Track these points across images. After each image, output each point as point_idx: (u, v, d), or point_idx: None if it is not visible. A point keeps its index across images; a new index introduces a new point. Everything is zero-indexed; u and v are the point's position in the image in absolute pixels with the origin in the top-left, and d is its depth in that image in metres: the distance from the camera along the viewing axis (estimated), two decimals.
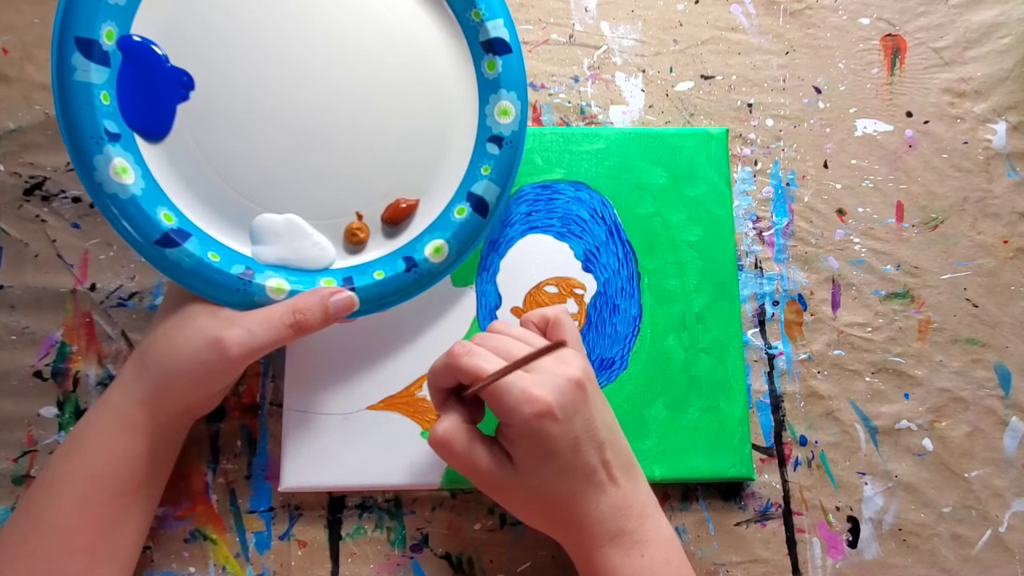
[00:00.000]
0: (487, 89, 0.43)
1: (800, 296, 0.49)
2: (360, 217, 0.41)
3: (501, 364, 0.35)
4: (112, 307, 0.46)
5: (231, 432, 0.44)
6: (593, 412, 0.36)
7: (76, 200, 0.47)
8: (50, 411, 0.44)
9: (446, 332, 0.45)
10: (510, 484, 0.35)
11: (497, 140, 0.42)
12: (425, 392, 0.44)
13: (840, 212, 0.50)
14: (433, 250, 0.41)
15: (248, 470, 0.44)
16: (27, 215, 0.46)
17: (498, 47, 0.42)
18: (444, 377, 0.37)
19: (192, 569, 0.42)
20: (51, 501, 0.36)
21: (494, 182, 0.42)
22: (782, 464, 0.46)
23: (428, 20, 0.42)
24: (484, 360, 0.35)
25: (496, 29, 0.42)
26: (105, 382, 0.45)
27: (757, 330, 0.48)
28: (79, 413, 0.44)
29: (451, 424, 0.36)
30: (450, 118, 0.43)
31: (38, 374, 0.44)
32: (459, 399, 0.38)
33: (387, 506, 0.44)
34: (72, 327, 0.45)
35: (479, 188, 0.42)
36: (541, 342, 0.38)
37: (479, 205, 0.42)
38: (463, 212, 0.42)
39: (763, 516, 0.45)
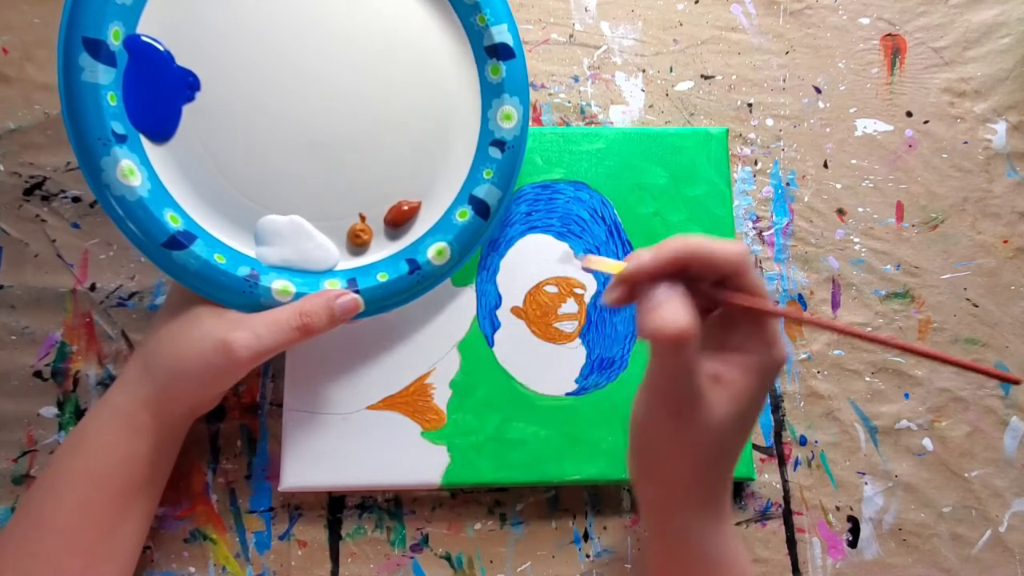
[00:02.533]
0: (490, 93, 0.43)
1: (800, 296, 0.49)
2: (363, 219, 0.41)
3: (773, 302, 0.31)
4: (112, 307, 0.46)
5: (231, 432, 0.44)
6: None
7: (76, 200, 0.47)
8: (50, 411, 0.44)
9: (446, 332, 0.45)
10: (706, 414, 0.30)
11: (499, 144, 0.42)
12: (430, 394, 0.44)
13: (840, 212, 0.50)
14: (435, 252, 0.41)
15: (248, 470, 0.44)
16: (27, 215, 0.46)
17: (502, 52, 0.42)
18: (712, 270, 0.30)
19: (192, 569, 0.42)
20: (52, 502, 0.36)
21: (496, 186, 0.42)
22: (782, 464, 0.46)
23: (433, 24, 0.42)
24: (765, 288, 0.31)
25: (500, 34, 0.42)
26: (105, 382, 0.44)
27: None
28: (79, 413, 0.44)
29: (695, 320, 0.28)
30: (453, 122, 0.43)
31: (38, 374, 0.44)
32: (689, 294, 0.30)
33: (387, 506, 0.44)
34: (72, 327, 0.45)
35: (481, 191, 0.42)
36: None
37: (481, 208, 0.42)
38: (465, 215, 0.42)
39: (763, 516, 0.45)
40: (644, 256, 0.29)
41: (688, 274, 0.30)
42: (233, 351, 0.35)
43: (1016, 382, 0.27)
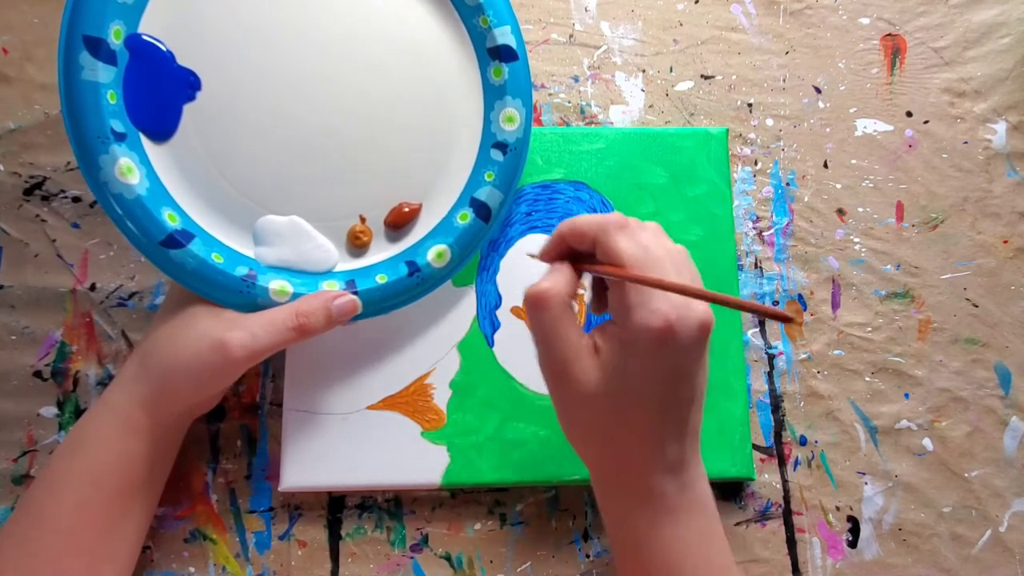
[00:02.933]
0: (492, 96, 0.43)
1: (800, 296, 0.49)
2: (363, 220, 0.41)
3: (650, 261, 0.31)
4: (112, 307, 0.46)
5: (231, 432, 0.44)
6: (701, 364, 0.32)
7: (76, 200, 0.47)
8: (50, 411, 0.44)
9: (446, 332, 0.45)
10: (581, 378, 0.32)
11: (501, 147, 0.42)
12: (430, 394, 0.44)
13: (840, 212, 0.50)
14: (435, 255, 0.41)
15: (248, 470, 0.44)
16: (27, 215, 0.46)
17: (505, 54, 0.42)
18: (581, 239, 0.33)
19: (192, 569, 0.42)
20: (51, 502, 0.36)
21: (497, 188, 0.42)
22: (782, 464, 0.46)
23: (435, 25, 0.42)
24: (640, 250, 0.31)
25: (503, 36, 0.42)
26: (105, 382, 0.44)
27: (757, 330, 0.48)
28: (79, 413, 0.44)
29: (558, 285, 0.32)
30: (455, 124, 0.42)
31: (38, 374, 0.44)
32: (571, 269, 0.34)
33: (387, 506, 0.44)
34: (72, 327, 0.45)
35: (482, 194, 0.42)
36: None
37: (482, 211, 0.42)
38: (466, 217, 0.42)
39: (763, 516, 0.45)
40: (544, 244, 0.35)
41: (578, 252, 0.34)
42: (229, 351, 0.35)
43: (788, 319, 0.27)
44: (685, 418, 0.33)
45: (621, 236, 0.32)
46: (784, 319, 0.26)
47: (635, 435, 0.32)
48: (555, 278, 0.33)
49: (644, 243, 0.32)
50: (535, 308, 0.32)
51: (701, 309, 0.31)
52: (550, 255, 0.35)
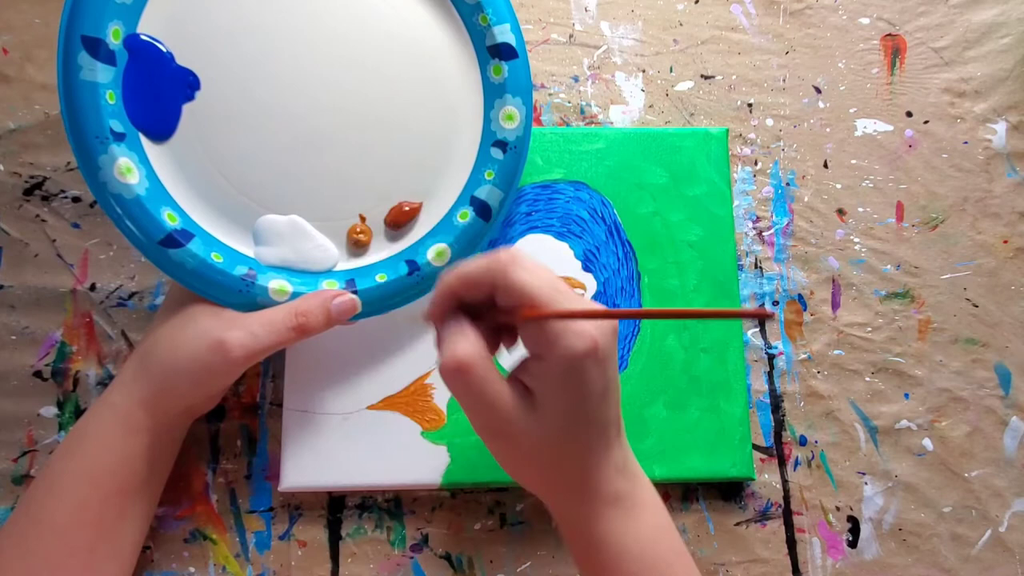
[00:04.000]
0: (492, 94, 0.43)
1: (800, 296, 0.49)
2: (363, 219, 0.41)
3: (555, 292, 0.29)
4: (112, 307, 0.46)
5: (231, 432, 0.44)
6: (616, 362, 0.32)
7: (76, 200, 0.47)
8: (50, 411, 0.44)
9: None
10: (525, 429, 0.31)
11: (501, 145, 0.42)
12: (430, 394, 0.44)
13: (840, 212, 0.50)
14: (435, 254, 0.41)
15: (248, 470, 0.44)
16: (27, 215, 0.46)
17: (504, 52, 0.42)
18: (475, 287, 0.31)
19: (192, 569, 0.42)
20: (51, 501, 0.36)
21: (498, 187, 0.42)
22: (782, 464, 0.46)
23: (435, 24, 0.42)
24: (541, 280, 0.29)
25: (503, 34, 0.42)
26: (105, 382, 0.44)
27: (757, 330, 0.48)
28: (79, 413, 0.44)
29: (474, 347, 0.30)
30: (455, 122, 0.42)
31: (38, 374, 0.44)
32: (469, 319, 0.31)
33: (387, 506, 0.44)
34: (72, 327, 0.45)
35: (483, 193, 0.42)
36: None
37: (482, 210, 0.42)
38: (466, 216, 0.42)
39: (763, 516, 0.45)
40: (430, 302, 0.32)
41: (470, 303, 0.31)
42: (228, 350, 0.35)
43: (768, 316, 0.26)
44: (619, 418, 0.33)
45: (520, 271, 0.30)
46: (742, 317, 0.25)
47: (585, 454, 0.32)
48: (465, 340, 0.30)
49: (538, 271, 0.30)
50: (458, 378, 0.30)
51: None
52: (440, 311, 0.32)
